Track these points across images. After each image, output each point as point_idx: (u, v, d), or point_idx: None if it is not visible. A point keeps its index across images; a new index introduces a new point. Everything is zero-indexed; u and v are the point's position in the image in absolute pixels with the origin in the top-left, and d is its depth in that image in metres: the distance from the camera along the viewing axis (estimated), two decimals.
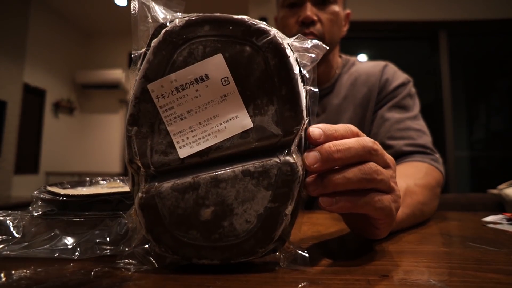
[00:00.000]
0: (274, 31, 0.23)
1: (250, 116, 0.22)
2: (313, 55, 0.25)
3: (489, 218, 0.46)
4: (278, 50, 0.22)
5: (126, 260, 0.24)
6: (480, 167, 3.16)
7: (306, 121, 0.23)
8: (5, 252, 0.25)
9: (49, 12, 3.55)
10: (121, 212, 0.28)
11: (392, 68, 0.71)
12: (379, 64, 0.73)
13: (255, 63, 0.22)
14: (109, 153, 4.04)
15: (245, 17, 0.23)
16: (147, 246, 0.24)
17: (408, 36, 3.03)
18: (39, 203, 0.30)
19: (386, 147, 0.60)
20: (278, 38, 0.22)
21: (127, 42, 4.10)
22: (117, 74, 3.86)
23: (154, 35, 0.23)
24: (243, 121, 0.22)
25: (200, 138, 0.23)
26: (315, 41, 0.26)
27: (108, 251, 0.26)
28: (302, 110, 0.23)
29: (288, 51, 0.23)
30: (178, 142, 0.23)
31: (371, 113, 0.67)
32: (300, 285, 0.20)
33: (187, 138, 0.23)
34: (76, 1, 3.43)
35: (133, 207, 0.24)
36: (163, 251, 0.23)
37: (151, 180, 0.23)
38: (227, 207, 0.22)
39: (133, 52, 0.24)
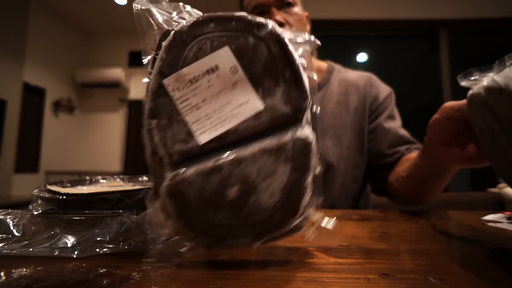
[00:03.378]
0: (272, 23, 0.25)
1: (260, 98, 0.24)
2: (308, 48, 0.27)
3: (489, 217, 0.46)
4: (278, 38, 0.24)
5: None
6: None
7: (310, 100, 0.25)
8: (5, 251, 0.25)
9: (49, 10, 3.54)
10: (121, 211, 0.28)
11: (376, 80, 0.80)
12: (364, 75, 0.80)
13: (259, 52, 0.24)
14: (109, 152, 4.04)
15: (244, 13, 0.25)
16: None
17: (408, 35, 3.03)
18: (39, 201, 0.30)
19: (392, 154, 0.69)
20: (277, 29, 0.25)
21: (127, 41, 4.09)
22: (117, 72, 3.85)
23: (161, 40, 0.25)
24: (254, 104, 0.24)
25: (216, 124, 0.24)
26: (307, 36, 0.28)
27: (108, 249, 0.26)
28: (307, 89, 0.24)
29: (287, 40, 0.25)
30: (197, 130, 0.24)
31: (368, 122, 0.74)
32: (300, 284, 0.20)
33: (204, 125, 0.24)
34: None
35: (153, 205, 0.25)
36: (196, 237, 0.24)
37: (175, 169, 0.24)
38: (251, 185, 0.23)
39: (142, 57, 0.27)
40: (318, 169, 0.26)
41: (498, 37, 3.05)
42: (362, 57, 3.33)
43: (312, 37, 0.28)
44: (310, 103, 0.25)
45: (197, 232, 0.24)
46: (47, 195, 0.30)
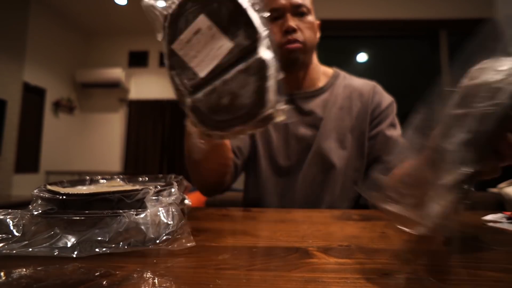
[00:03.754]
0: None
1: (230, 40, 0.36)
2: None
3: (489, 217, 0.46)
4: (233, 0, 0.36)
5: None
6: None
7: (264, 31, 0.36)
8: (5, 251, 0.25)
9: (49, 10, 3.54)
10: (121, 211, 0.28)
11: (380, 89, 0.82)
12: (368, 83, 0.82)
13: (222, 11, 0.36)
14: (109, 152, 4.04)
15: None
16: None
17: (408, 35, 3.03)
18: (39, 201, 0.30)
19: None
20: None
21: (127, 41, 4.10)
22: (117, 72, 3.85)
23: (164, 21, 0.38)
24: (227, 45, 0.37)
25: (208, 64, 0.37)
26: None
27: (107, 249, 0.26)
28: (257, 26, 0.36)
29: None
30: (198, 70, 0.37)
31: (369, 128, 0.76)
32: (300, 284, 0.20)
33: (201, 66, 0.37)
34: None
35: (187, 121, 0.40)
36: (208, 129, 0.38)
37: (192, 96, 0.38)
38: (234, 94, 0.36)
39: (157, 34, 0.40)
40: (280, 76, 0.37)
41: None
42: (362, 57, 3.32)
43: None
44: (265, 33, 0.36)
45: (209, 126, 0.38)
46: (47, 195, 0.30)
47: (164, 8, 0.39)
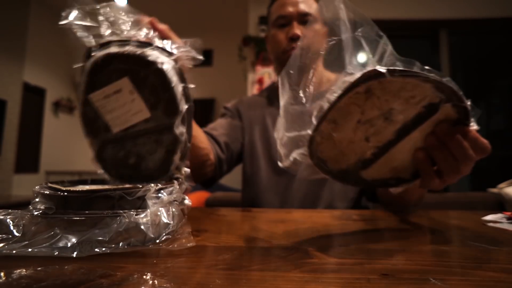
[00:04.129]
0: (160, 59, 0.37)
1: (149, 110, 0.39)
2: (190, 62, 0.41)
3: (489, 217, 0.46)
4: (161, 73, 0.37)
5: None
6: (480, 166, 3.14)
7: (185, 106, 0.39)
8: (5, 251, 0.25)
9: (49, 10, 3.54)
10: (121, 211, 0.28)
11: None
12: None
13: (148, 81, 0.38)
14: None
15: (138, 52, 0.36)
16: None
17: (408, 34, 3.03)
18: (39, 198, 0.30)
19: None
20: (162, 66, 0.37)
21: None
22: None
23: (84, 55, 0.38)
24: (144, 113, 0.39)
25: (123, 122, 0.39)
26: (195, 54, 0.40)
27: (107, 249, 0.26)
28: (179, 105, 0.38)
29: (169, 74, 0.37)
30: (112, 124, 0.39)
31: None
32: (300, 284, 0.20)
33: (116, 122, 0.39)
34: None
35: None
36: (111, 178, 0.41)
37: (100, 148, 0.41)
38: (142, 157, 0.40)
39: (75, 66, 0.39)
40: (188, 146, 0.40)
41: (498, 37, 3.05)
42: (362, 57, 3.32)
43: (200, 56, 0.41)
44: (186, 107, 0.38)
45: (112, 176, 0.41)
46: (48, 191, 0.30)
47: (86, 37, 0.38)
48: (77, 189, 0.30)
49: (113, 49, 0.37)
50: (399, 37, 3.09)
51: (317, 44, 0.80)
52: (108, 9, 0.39)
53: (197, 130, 0.65)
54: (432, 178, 0.37)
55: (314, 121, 0.32)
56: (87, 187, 0.36)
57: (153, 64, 0.37)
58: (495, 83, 3.21)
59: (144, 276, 0.22)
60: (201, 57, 0.41)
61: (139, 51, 0.37)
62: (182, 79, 0.39)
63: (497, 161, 3.13)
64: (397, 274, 0.22)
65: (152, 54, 0.37)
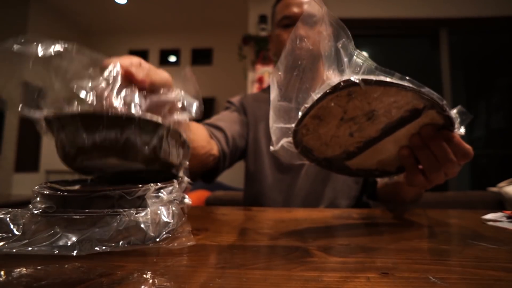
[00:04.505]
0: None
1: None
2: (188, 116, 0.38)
3: (489, 216, 0.46)
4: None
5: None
6: (480, 165, 3.16)
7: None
8: (5, 250, 0.25)
9: (48, 9, 3.53)
10: (121, 210, 0.28)
11: None
12: None
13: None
14: None
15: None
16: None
17: (408, 33, 3.02)
18: (39, 198, 0.30)
19: None
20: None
21: (126, 40, 4.09)
22: None
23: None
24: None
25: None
26: (195, 105, 0.38)
27: (107, 248, 0.26)
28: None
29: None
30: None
31: None
32: (300, 284, 0.20)
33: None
34: None
35: None
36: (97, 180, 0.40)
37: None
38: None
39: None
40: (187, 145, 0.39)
41: (498, 36, 3.04)
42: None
43: (193, 110, 0.38)
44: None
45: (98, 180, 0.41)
46: (48, 191, 0.30)
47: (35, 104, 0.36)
48: (77, 189, 0.30)
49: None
50: (400, 36, 3.09)
51: (319, 45, 0.81)
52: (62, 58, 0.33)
53: (196, 133, 0.63)
54: (416, 174, 0.39)
55: (299, 116, 0.35)
56: (86, 187, 0.36)
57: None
58: (495, 82, 3.21)
59: (144, 275, 0.22)
60: (194, 113, 0.38)
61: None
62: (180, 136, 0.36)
63: (497, 160, 3.13)
64: (397, 273, 0.22)
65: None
